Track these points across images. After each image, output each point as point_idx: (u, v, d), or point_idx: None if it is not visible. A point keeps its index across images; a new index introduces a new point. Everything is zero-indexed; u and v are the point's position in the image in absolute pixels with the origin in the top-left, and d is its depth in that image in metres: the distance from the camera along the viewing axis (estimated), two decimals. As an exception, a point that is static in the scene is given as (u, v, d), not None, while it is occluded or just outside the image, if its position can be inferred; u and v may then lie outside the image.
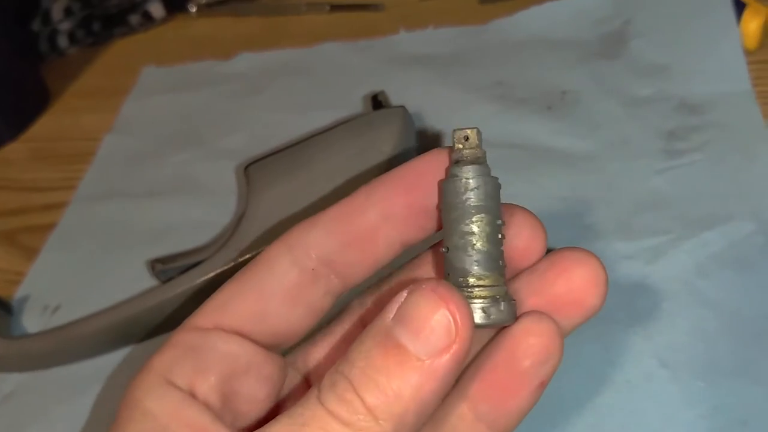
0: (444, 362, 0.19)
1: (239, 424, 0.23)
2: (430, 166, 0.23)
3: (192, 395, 0.22)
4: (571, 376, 0.30)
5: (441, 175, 0.23)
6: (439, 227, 0.23)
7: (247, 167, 0.39)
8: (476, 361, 0.24)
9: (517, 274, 0.24)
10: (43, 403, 0.37)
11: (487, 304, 0.21)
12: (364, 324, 0.25)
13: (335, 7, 0.58)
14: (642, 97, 0.43)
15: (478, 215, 0.21)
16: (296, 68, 0.54)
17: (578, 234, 0.37)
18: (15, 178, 0.52)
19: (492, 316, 0.21)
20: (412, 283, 0.20)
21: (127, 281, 0.40)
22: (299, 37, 0.56)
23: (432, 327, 0.19)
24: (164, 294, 0.36)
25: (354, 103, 0.48)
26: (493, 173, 0.22)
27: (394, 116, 0.39)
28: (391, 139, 0.37)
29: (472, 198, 0.21)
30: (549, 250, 0.24)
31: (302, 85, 0.52)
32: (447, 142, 0.43)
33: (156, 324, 0.37)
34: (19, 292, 0.42)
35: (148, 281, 0.40)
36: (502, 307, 0.21)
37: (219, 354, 0.22)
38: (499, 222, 0.22)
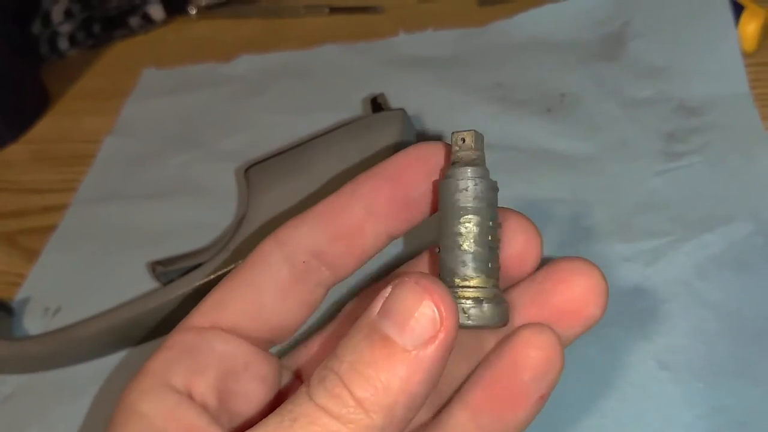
0: (430, 353, 0.19)
1: (234, 424, 0.23)
2: (411, 159, 0.24)
3: (189, 396, 0.22)
4: (571, 378, 0.30)
5: (426, 168, 0.23)
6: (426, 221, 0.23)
7: (247, 169, 0.39)
8: (479, 369, 0.24)
9: (516, 283, 0.24)
10: (43, 404, 0.37)
11: (470, 305, 0.21)
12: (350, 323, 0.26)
13: (334, 10, 0.58)
14: (641, 99, 0.43)
15: (467, 216, 0.21)
16: (296, 70, 0.54)
17: (577, 236, 0.37)
18: (15, 179, 0.52)
19: (472, 318, 0.21)
20: (398, 279, 0.20)
21: (127, 283, 0.40)
22: (299, 40, 0.56)
23: (417, 318, 0.19)
24: (165, 296, 0.36)
25: (353, 106, 0.48)
26: (493, 175, 0.22)
27: (394, 119, 0.39)
28: (391, 142, 0.38)
29: (460, 199, 0.21)
30: (549, 257, 0.24)
31: (302, 87, 0.52)
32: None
33: (156, 326, 0.37)
34: (20, 294, 0.42)
35: (149, 283, 0.40)
36: (485, 309, 0.21)
37: (216, 353, 0.23)
38: (491, 224, 0.22)
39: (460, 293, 0.21)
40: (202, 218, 0.43)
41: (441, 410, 0.25)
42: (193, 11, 0.62)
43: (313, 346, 0.26)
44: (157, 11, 0.62)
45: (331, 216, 0.24)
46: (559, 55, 0.48)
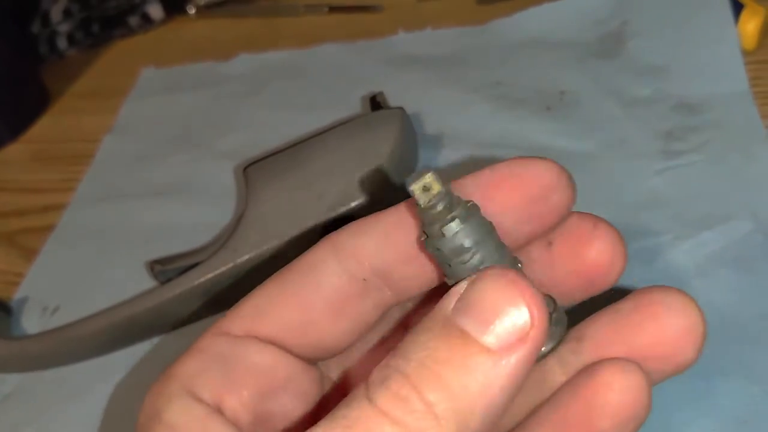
0: (517, 357, 0.16)
1: None
2: (506, 176, 0.20)
3: (218, 410, 0.19)
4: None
5: (523, 190, 0.20)
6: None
7: (246, 168, 0.39)
8: (546, 408, 0.21)
9: (596, 315, 0.21)
10: (42, 403, 0.37)
11: None
12: (405, 329, 0.23)
13: (333, 9, 0.58)
14: (640, 97, 0.43)
15: (486, 259, 0.19)
16: (295, 69, 0.54)
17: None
18: (14, 179, 0.52)
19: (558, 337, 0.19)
20: (475, 274, 0.18)
21: (126, 282, 0.40)
22: (298, 39, 0.56)
23: (503, 316, 0.16)
24: (163, 295, 0.36)
25: (352, 104, 0.48)
26: None
27: (393, 117, 0.39)
28: (390, 140, 0.38)
29: (467, 259, 0.19)
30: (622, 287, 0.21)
31: (301, 86, 0.52)
32: (446, 143, 0.43)
33: (155, 325, 0.37)
34: (19, 293, 0.42)
35: (148, 282, 0.40)
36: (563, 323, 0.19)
37: (253, 366, 0.20)
38: (502, 242, 0.19)
39: None
40: (200, 217, 0.43)
41: None
42: (192, 10, 0.62)
43: (353, 350, 0.23)
44: (156, 10, 0.62)
45: (406, 231, 0.20)
46: (558, 53, 0.48)
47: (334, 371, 0.23)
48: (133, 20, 0.62)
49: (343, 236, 0.21)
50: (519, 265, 0.19)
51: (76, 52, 0.63)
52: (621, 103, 0.43)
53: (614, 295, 0.22)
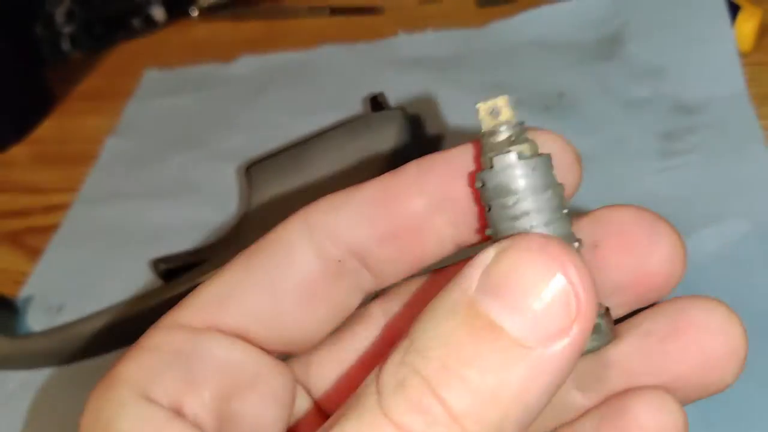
0: (560, 351, 0.13)
1: None
2: None
3: (178, 414, 0.17)
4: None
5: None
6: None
7: (248, 168, 0.40)
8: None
9: (624, 334, 0.18)
10: (47, 400, 0.37)
11: None
12: (390, 336, 0.20)
13: (335, 11, 0.59)
14: (638, 98, 0.43)
15: (532, 215, 0.16)
16: (296, 71, 0.54)
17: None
18: (19, 179, 0.52)
19: (610, 331, 0.16)
20: (497, 242, 0.14)
21: (130, 281, 0.40)
22: (299, 40, 0.57)
23: (543, 299, 0.13)
24: (167, 293, 0.36)
25: (353, 105, 0.48)
26: None
27: (393, 118, 0.40)
28: (390, 141, 0.38)
29: (521, 197, 0.16)
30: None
31: (302, 87, 0.52)
32: (446, 144, 0.43)
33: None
34: (24, 292, 0.43)
35: (152, 281, 0.40)
36: (610, 321, 0.16)
37: (215, 363, 0.17)
38: (565, 211, 0.16)
39: None
40: (203, 216, 0.44)
41: None
42: (195, 13, 0.63)
43: (326, 356, 0.20)
44: (158, 13, 0.62)
45: (384, 205, 0.18)
46: (557, 55, 0.48)
47: (312, 384, 0.20)
48: (136, 22, 0.62)
49: (316, 211, 0.18)
50: (576, 243, 0.16)
51: (80, 54, 0.63)
52: (619, 104, 0.43)
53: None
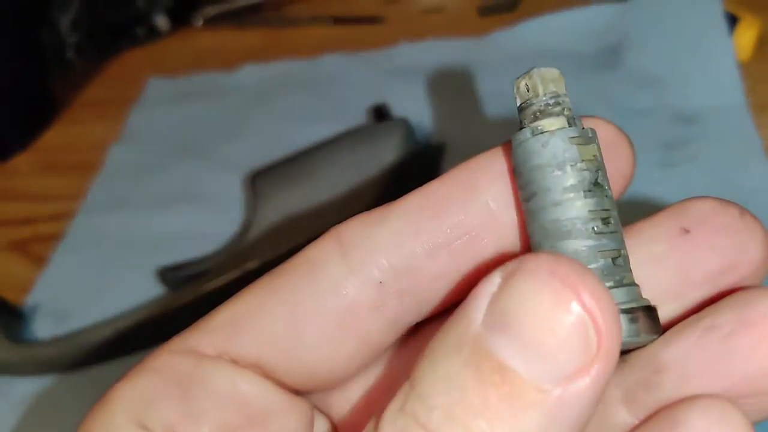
0: (580, 391, 0.12)
1: None
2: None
3: None
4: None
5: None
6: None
7: (253, 177, 0.40)
8: None
9: (677, 332, 0.16)
10: (53, 408, 0.37)
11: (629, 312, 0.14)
12: (417, 348, 0.17)
13: (338, 20, 0.59)
14: (639, 108, 0.44)
15: (577, 194, 0.15)
16: (300, 80, 0.55)
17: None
18: (24, 187, 0.53)
19: (656, 324, 0.14)
20: (508, 260, 0.13)
21: (135, 289, 0.41)
22: (302, 49, 0.57)
23: (558, 335, 0.12)
24: (173, 301, 0.37)
25: (356, 115, 0.49)
26: None
27: (396, 128, 0.40)
28: (393, 151, 0.38)
29: (559, 174, 0.15)
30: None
31: (306, 96, 0.53)
32: (449, 153, 0.44)
33: (165, 331, 0.37)
34: (30, 300, 0.43)
35: (157, 289, 0.41)
36: (652, 316, 0.14)
37: (219, 394, 0.16)
38: (609, 193, 0.15)
39: (616, 295, 0.14)
40: (208, 225, 0.44)
41: None
42: (199, 22, 0.63)
43: (358, 381, 0.18)
44: (162, 22, 0.63)
45: (435, 211, 0.16)
46: (558, 64, 0.48)
47: (332, 406, 0.18)
48: (141, 31, 0.63)
49: (350, 228, 0.16)
50: (608, 224, 0.15)
51: (84, 62, 0.63)
52: (619, 113, 0.44)
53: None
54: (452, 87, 0.49)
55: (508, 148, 0.16)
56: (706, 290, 0.16)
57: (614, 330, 0.12)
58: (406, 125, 0.41)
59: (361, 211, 0.37)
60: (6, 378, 0.39)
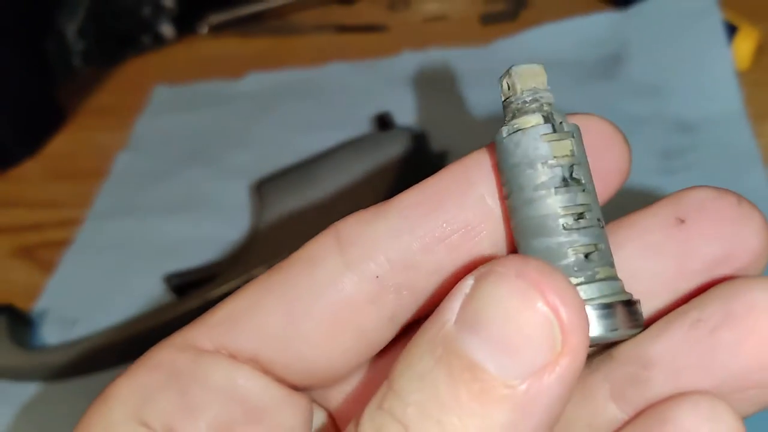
0: (547, 387, 0.12)
1: None
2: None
3: None
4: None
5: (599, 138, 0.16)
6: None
7: (259, 185, 0.41)
8: None
9: (664, 327, 0.16)
10: (61, 413, 0.38)
11: (591, 308, 0.14)
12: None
13: (341, 28, 0.60)
14: (638, 117, 0.44)
15: (556, 188, 0.15)
16: (304, 88, 0.55)
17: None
18: (31, 194, 0.53)
19: (600, 326, 0.14)
20: (482, 264, 0.13)
21: (142, 295, 0.41)
22: (306, 57, 0.58)
23: (524, 332, 0.12)
24: (180, 308, 0.37)
25: (360, 122, 0.49)
26: None
27: (399, 137, 0.41)
28: (396, 160, 0.39)
29: (539, 168, 0.15)
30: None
31: (310, 104, 0.54)
32: (451, 161, 0.44)
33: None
34: (38, 306, 0.44)
35: (164, 296, 0.41)
36: (615, 311, 0.14)
37: (217, 389, 0.16)
38: (590, 186, 0.15)
39: (587, 290, 0.15)
40: (214, 232, 0.45)
41: None
42: (204, 29, 0.64)
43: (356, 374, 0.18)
44: (168, 29, 0.63)
45: (430, 206, 0.16)
46: (558, 73, 0.49)
47: (332, 402, 0.19)
48: (146, 39, 0.64)
49: (350, 223, 0.16)
50: (591, 220, 0.15)
51: (91, 69, 0.64)
52: (618, 121, 0.43)
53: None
54: (454, 95, 0.50)
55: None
56: (702, 280, 0.16)
57: (580, 326, 0.12)
58: (409, 133, 0.41)
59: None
60: (14, 383, 0.39)
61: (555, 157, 0.15)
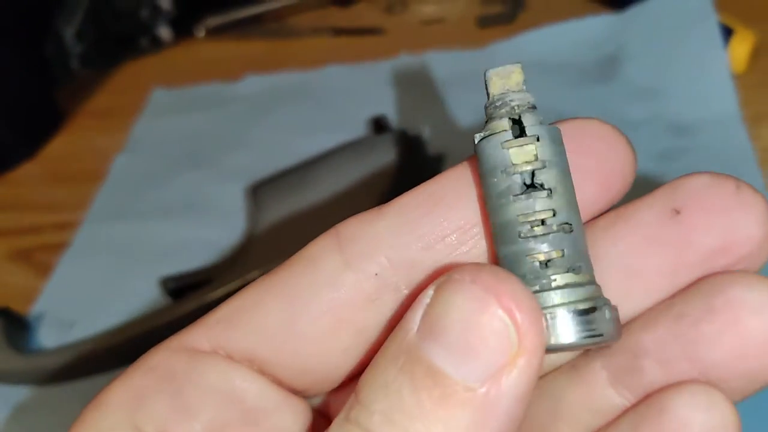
0: (507, 386, 0.13)
1: None
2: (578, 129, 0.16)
3: None
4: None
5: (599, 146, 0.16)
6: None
7: (254, 188, 0.41)
8: None
9: (652, 318, 0.16)
10: (57, 417, 0.38)
11: (561, 313, 0.14)
12: None
13: (338, 31, 0.60)
14: (634, 119, 0.44)
15: (533, 191, 0.15)
16: (301, 90, 0.55)
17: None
18: (29, 197, 0.53)
19: (566, 333, 0.14)
20: (442, 274, 0.14)
21: (139, 299, 0.41)
22: (303, 60, 0.58)
23: (481, 336, 0.13)
24: (176, 311, 0.37)
25: (356, 125, 0.49)
26: None
27: (395, 141, 0.41)
28: (392, 163, 0.39)
29: (516, 168, 0.15)
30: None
31: (306, 106, 0.54)
32: (448, 164, 0.44)
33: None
34: (35, 309, 0.44)
35: (161, 299, 0.41)
36: (589, 317, 0.14)
37: (212, 390, 0.16)
38: (568, 187, 0.15)
39: (545, 297, 0.14)
40: (211, 235, 0.45)
41: None
42: (201, 33, 0.64)
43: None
44: (165, 32, 0.64)
45: (429, 206, 0.16)
46: (555, 75, 0.49)
47: (334, 409, 0.19)
48: (144, 41, 0.64)
49: (350, 223, 0.16)
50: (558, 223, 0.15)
51: (89, 72, 0.64)
52: (615, 124, 0.44)
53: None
54: (451, 98, 0.50)
55: None
56: (702, 272, 0.16)
57: (535, 328, 0.13)
58: (404, 138, 0.41)
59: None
60: (10, 387, 0.39)
61: (514, 164, 0.15)
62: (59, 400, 0.39)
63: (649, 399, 0.16)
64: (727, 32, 0.45)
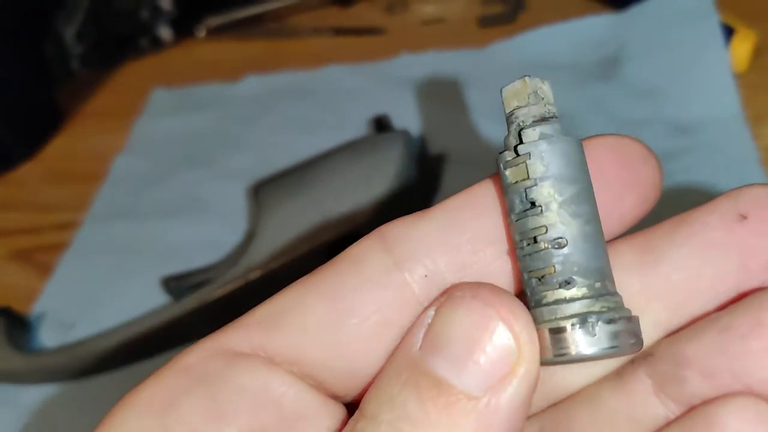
0: (508, 397, 0.13)
1: None
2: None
3: None
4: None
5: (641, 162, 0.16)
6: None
7: (256, 188, 0.41)
8: None
9: (697, 327, 0.16)
10: (58, 416, 0.38)
11: (574, 325, 0.14)
12: None
13: (339, 31, 0.60)
14: (635, 119, 0.44)
15: (552, 202, 0.15)
16: (301, 90, 0.55)
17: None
18: (29, 197, 0.53)
19: (580, 345, 0.14)
20: (442, 296, 0.14)
21: (140, 298, 0.41)
22: (304, 60, 0.58)
23: (483, 348, 0.13)
24: (177, 310, 0.37)
25: (357, 125, 0.49)
26: None
27: (397, 139, 0.41)
28: (394, 162, 0.39)
29: (532, 182, 0.15)
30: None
31: (307, 106, 0.54)
32: (449, 164, 0.44)
33: (170, 340, 0.38)
34: (36, 309, 0.44)
35: (161, 298, 0.41)
36: (607, 328, 0.14)
37: (248, 394, 0.15)
38: (588, 196, 0.16)
39: (536, 314, 0.15)
40: (212, 235, 0.45)
41: None
42: (202, 33, 0.64)
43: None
44: (165, 32, 0.64)
45: (477, 210, 0.16)
46: (556, 75, 0.49)
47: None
48: (144, 42, 0.64)
49: (395, 225, 0.16)
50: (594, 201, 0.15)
51: (89, 72, 0.64)
52: (617, 124, 0.44)
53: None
54: (452, 98, 0.50)
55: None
56: (759, 281, 0.16)
57: (532, 341, 0.14)
58: (406, 136, 0.41)
59: (364, 222, 0.37)
60: (12, 387, 0.39)
61: (512, 183, 0.16)
62: (60, 400, 0.39)
63: (695, 410, 0.16)
64: (728, 31, 0.45)
